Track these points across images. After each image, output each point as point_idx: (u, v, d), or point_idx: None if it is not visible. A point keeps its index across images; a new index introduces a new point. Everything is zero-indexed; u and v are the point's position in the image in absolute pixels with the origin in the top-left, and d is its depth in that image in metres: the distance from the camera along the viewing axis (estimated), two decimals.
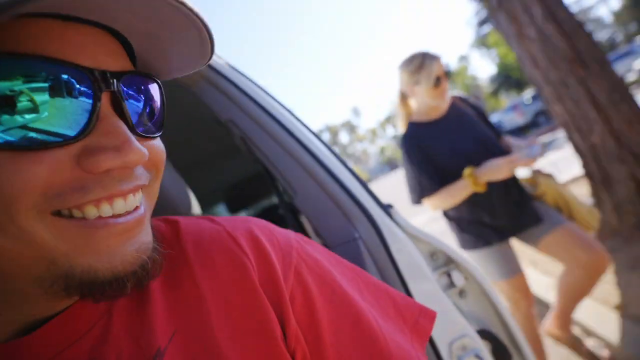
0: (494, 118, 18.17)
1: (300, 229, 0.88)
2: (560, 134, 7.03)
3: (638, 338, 1.66)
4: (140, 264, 0.30)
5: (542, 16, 2.62)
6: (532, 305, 1.53)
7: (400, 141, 1.58)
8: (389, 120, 72.38)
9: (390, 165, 63.15)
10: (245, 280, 0.38)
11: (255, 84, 0.86)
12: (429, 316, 0.47)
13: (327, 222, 0.76)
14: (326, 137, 75.24)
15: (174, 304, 0.36)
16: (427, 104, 1.53)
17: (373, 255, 0.71)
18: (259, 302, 0.37)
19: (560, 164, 5.86)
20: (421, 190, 1.47)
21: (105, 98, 0.28)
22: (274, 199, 1.93)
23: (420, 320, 0.46)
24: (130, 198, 0.30)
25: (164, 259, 0.34)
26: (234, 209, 2.02)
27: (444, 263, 0.81)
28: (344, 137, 77.90)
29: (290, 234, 0.45)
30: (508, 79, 21.83)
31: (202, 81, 0.82)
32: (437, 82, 1.46)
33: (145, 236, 0.32)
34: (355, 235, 0.72)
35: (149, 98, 0.34)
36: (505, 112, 16.28)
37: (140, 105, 0.32)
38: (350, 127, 75.21)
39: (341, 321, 0.40)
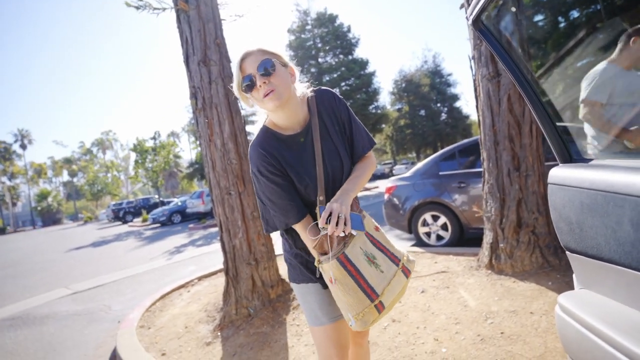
0: (182, 198, 19.20)
1: None
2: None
3: None
4: None
5: (228, 133, 3.25)
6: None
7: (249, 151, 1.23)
8: (70, 161, 59.96)
9: (47, 218, 50.08)
10: None
11: None
12: None
13: None
14: None
15: None
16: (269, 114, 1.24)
17: None
18: None
19: (211, 255, 6.76)
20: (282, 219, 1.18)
21: None
22: None
23: None
24: None
25: None
26: None
27: None
28: None
29: None
30: (202, 170, 24.43)
31: None
32: (247, 84, 1.11)
33: None
34: None
35: None
36: (192, 196, 17.63)
37: None
38: (5, 152, 55.70)
39: None
